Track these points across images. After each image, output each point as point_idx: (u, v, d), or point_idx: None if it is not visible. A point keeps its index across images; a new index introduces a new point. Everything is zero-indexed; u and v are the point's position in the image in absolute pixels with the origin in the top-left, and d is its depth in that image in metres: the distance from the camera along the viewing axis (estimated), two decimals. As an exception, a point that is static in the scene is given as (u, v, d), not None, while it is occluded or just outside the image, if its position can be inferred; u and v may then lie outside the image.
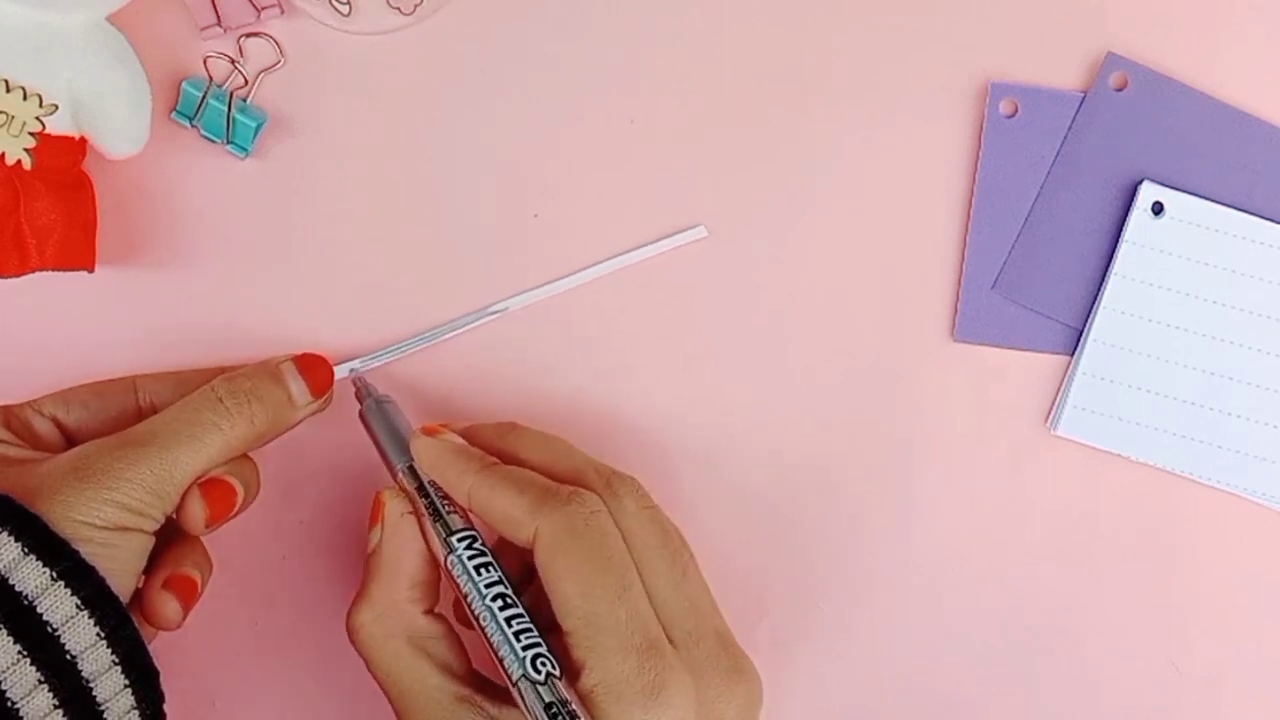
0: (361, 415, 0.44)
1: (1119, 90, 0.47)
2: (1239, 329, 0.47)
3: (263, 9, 0.45)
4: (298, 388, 0.43)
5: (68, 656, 0.36)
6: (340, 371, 0.45)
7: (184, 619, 0.40)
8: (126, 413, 0.43)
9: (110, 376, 0.44)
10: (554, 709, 0.36)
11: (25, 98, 0.41)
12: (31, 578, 0.35)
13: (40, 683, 0.35)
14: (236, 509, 0.41)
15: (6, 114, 0.41)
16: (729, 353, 0.47)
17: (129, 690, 0.37)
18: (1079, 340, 0.48)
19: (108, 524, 0.37)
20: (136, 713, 0.38)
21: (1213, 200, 0.47)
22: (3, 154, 0.41)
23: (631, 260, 0.47)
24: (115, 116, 0.43)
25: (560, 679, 0.37)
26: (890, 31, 0.48)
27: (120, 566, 0.38)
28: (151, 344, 0.46)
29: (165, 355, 0.46)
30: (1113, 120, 0.47)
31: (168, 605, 0.40)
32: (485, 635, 0.38)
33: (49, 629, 0.35)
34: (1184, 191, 0.47)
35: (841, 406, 0.48)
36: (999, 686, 0.48)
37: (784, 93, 0.47)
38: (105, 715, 0.36)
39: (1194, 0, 0.48)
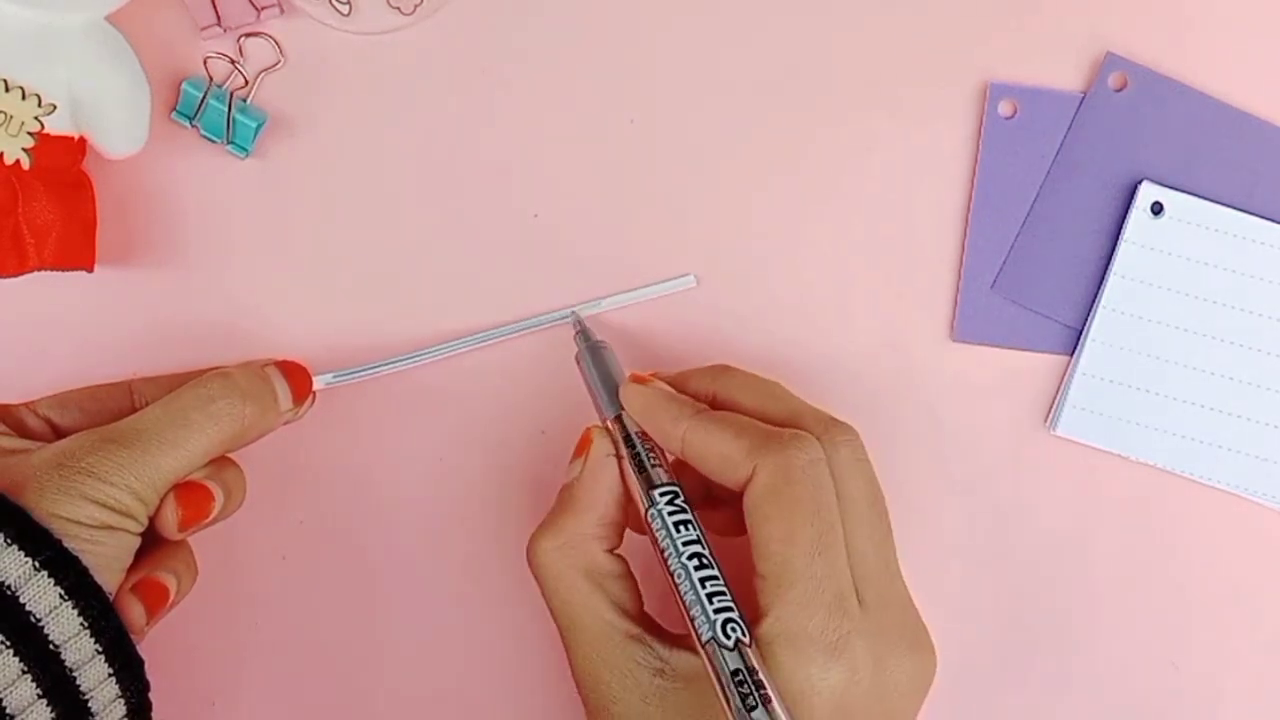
0: (577, 358, 0.45)
1: (1118, 90, 0.47)
2: (1239, 329, 0.47)
3: (263, 9, 0.45)
4: (283, 392, 0.43)
5: (50, 647, 0.36)
6: (318, 383, 0.45)
7: (150, 625, 0.40)
8: (121, 416, 0.42)
9: (109, 377, 0.45)
10: (740, 676, 0.36)
11: (24, 97, 0.41)
12: (13, 568, 0.35)
13: (23, 673, 0.35)
14: (214, 513, 0.41)
15: (5, 113, 0.41)
16: (727, 352, 0.47)
17: (113, 679, 0.37)
18: (1078, 340, 0.48)
19: (93, 522, 0.37)
20: (121, 702, 0.38)
21: (1213, 200, 0.47)
22: (1, 153, 0.41)
23: (621, 303, 0.47)
24: (114, 116, 0.43)
25: (750, 646, 0.37)
26: (890, 32, 0.48)
27: (105, 562, 0.38)
28: (151, 344, 0.46)
29: (164, 355, 0.46)
30: (1112, 120, 0.47)
31: (133, 610, 0.39)
32: (678, 591, 0.38)
33: (32, 619, 0.35)
34: (1184, 191, 0.47)
35: (841, 406, 0.48)
36: (998, 686, 0.48)
37: (784, 92, 0.47)
38: (89, 705, 0.37)
39: (1194, 0, 0.48)
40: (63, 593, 0.36)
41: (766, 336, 0.47)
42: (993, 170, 0.47)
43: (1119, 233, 0.47)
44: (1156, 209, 0.47)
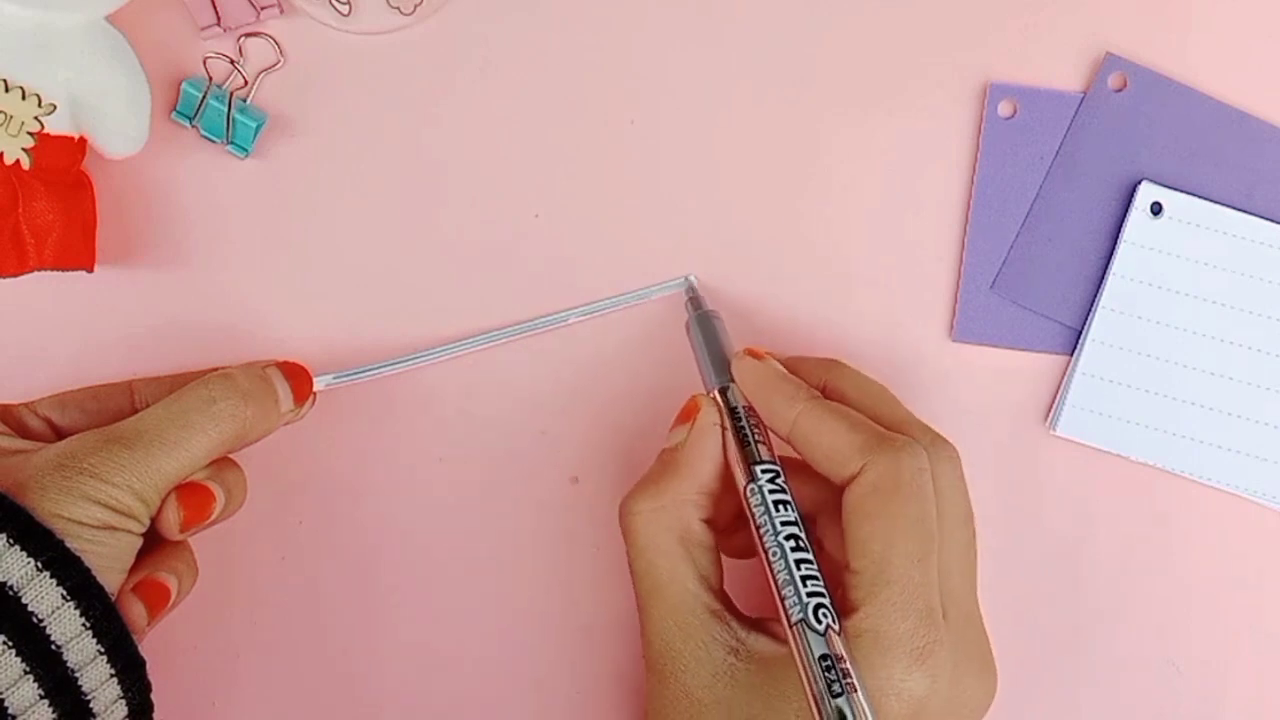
0: (686, 325, 0.45)
1: (1118, 91, 0.47)
2: (1238, 329, 0.47)
3: (262, 9, 0.45)
4: (284, 393, 0.43)
5: (53, 647, 0.36)
6: (318, 383, 0.45)
7: (151, 625, 0.40)
8: (122, 417, 0.42)
9: (109, 377, 0.45)
10: (828, 661, 0.36)
11: (24, 97, 0.41)
12: (16, 568, 0.35)
13: (25, 673, 0.35)
14: (215, 514, 0.41)
15: (5, 113, 0.41)
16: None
17: (115, 680, 0.37)
18: (1078, 340, 0.48)
19: (95, 523, 0.37)
20: (123, 702, 0.38)
21: (1212, 200, 0.47)
22: (1, 153, 0.41)
23: (622, 304, 0.47)
24: (114, 116, 0.43)
25: (840, 634, 0.37)
26: (890, 32, 0.48)
27: (107, 563, 0.38)
28: (151, 344, 0.46)
29: (164, 355, 0.46)
30: (1111, 121, 0.47)
31: (134, 610, 0.39)
32: (771, 570, 0.38)
33: (34, 619, 0.35)
34: (1183, 192, 0.47)
35: (841, 407, 0.48)
36: (999, 686, 0.48)
37: (783, 92, 0.47)
38: (91, 705, 0.37)
39: (1193, 0, 0.48)
40: (65, 593, 0.36)
41: (766, 337, 0.47)
42: (993, 170, 0.47)
43: (1119, 233, 0.47)
44: (1156, 209, 0.47)
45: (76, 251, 0.43)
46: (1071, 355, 0.48)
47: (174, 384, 0.43)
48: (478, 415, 0.47)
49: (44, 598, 0.35)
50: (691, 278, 0.46)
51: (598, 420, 0.47)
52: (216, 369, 0.43)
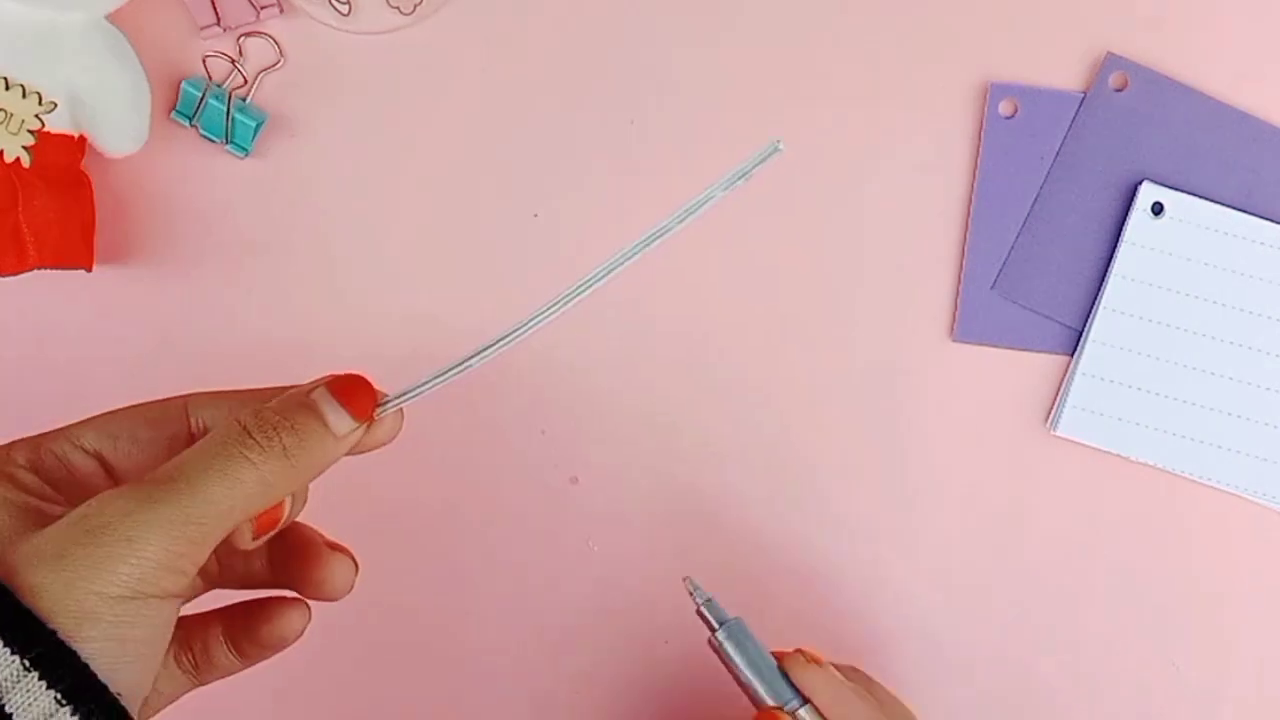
0: (712, 643, 0.41)
1: (1118, 90, 0.47)
2: (1239, 329, 0.47)
3: (262, 8, 0.45)
4: (335, 415, 0.35)
5: None
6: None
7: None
8: (179, 441, 0.35)
9: (108, 376, 0.45)
10: None
11: (24, 95, 0.41)
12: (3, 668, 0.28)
13: None
14: (284, 520, 0.35)
15: (6, 111, 0.41)
16: (729, 352, 0.47)
17: None
18: (1079, 340, 0.48)
19: (124, 593, 0.30)
20: None
21: (1213, 200, 0.47)
22: (1, 151, 0.41)
23: (711, 199, 0.44)
24: (114, 115, 0.43)
25: None
26: (890, 32, 0.48)
27: (135, 649, 0.30)
28: (150, 343, 0.46)
29: (163, 355, 0.46)
30: (1112, 121, 0.47)
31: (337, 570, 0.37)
32: None
33: None
34: (1184, 192, 0.47)
35: (841, 407, 0.48)
36: (999, 686, 0.48)
37: (784, 92, 0.47)
38: None
39: (1193, 0, 0.48)
40: (59, 696, 0.29)
41: (767, 337, 0.47)
42: (993, 170, 0.47)
43: (1119, 233, 0.47)
44: (1157, 209, 0.47)
45: (75, 250, 0.43)
46: (1072, 355, 0.48)
47: (233, 401, 0.36)
48: (478, 415, 0.47)
49: (33, 704, 0.28)
50: (779, 143, 0.38)
51: (598, 420, 0.47)
52: (284, 388, 0.35)
